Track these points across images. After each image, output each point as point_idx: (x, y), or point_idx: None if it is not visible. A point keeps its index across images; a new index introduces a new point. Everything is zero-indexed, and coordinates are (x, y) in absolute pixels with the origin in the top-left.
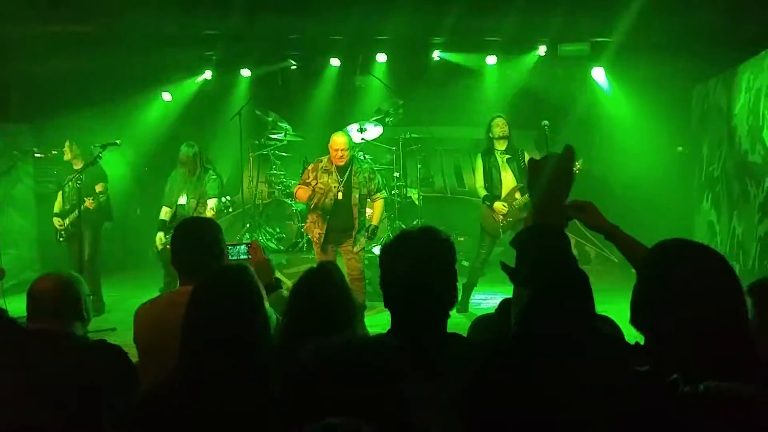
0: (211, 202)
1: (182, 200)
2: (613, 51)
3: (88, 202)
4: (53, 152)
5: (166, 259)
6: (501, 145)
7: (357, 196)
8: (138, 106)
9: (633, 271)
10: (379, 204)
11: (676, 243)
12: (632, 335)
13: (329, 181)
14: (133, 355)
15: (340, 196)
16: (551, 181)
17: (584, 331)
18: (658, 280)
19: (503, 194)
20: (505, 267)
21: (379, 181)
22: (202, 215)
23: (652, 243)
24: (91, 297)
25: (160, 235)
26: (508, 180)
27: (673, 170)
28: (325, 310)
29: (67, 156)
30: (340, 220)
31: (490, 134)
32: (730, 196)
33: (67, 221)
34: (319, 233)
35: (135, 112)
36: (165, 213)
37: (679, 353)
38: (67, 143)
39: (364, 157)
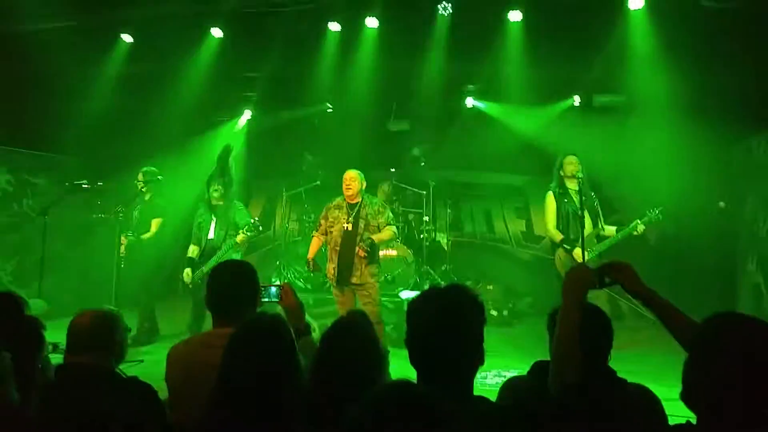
0: (245, 231)
1: (211, 234)
2: (649, 102)
3: (145, 236)
4: (99, 183)
5: (195, 295)
6: (574, 185)
7: (363, 226)
8: (180, 143)
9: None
10: (387, 229)
11: (736, 318)
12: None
13: (339, 215)
14: (162, 389)
15: (348, 227)
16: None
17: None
18: (719, 355)
19: (579, 240)
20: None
21: (389, 216)
22: (232, 246)
23: (691, 305)
24: (130, 332)
25: (188, 271)
26: (586, 223)
27: (713, 227)
28: (353, 362)
29: (140, 185)
30: (350, 251)
31: (561, 172)
32: None
33: (122, 249)
34: (333, 267)
35: (180, 148)
36: (192, 251)
37: None
38: (140, 173)
39: (395, 199)
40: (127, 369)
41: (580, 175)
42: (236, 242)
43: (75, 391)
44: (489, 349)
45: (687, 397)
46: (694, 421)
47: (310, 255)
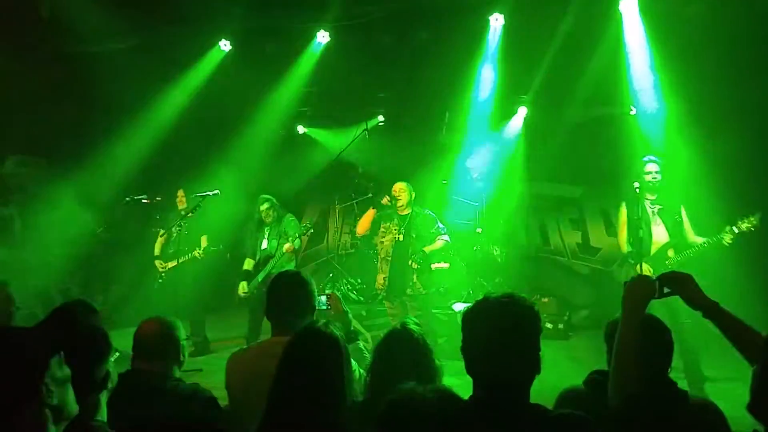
0: (296, 240)
1: (264, 244)
2: (703, 112)
3: (197, 252)
4: (157, 198)
5: (252, 306)
6: (650, 194)
7: (415, 236)
8: (236, 157)
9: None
10: (439, 240)
11: None
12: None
13: (390, 225)
14: (222, 397)
15: (400, 238)
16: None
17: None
18: None
19: (652, 251)
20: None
21: (439, 227)
22: (284, 254)
23: (756, 316)
24: (189, 340)
25: (243, 284)
26: (660, 235)
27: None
28: (406, 371)
29: (181, 204)
30: (401, 262)
31: (641, 180)
32: None
33: (168, 265)
34: (384, 278)
35: (233, 162)
36: (248, 263)
37: None
38: (180, 191)
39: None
40: (186, 378)
41: (655, 184)
42: (284, 251)
43: (141, 396)
44: (544, 362)
45: (755, 408)
46: None
47: (366, 225)
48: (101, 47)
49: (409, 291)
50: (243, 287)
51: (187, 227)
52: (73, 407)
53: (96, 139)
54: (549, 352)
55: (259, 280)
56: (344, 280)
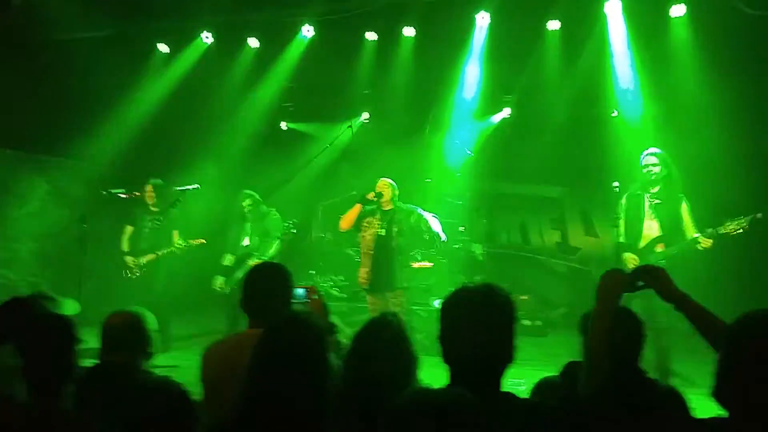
0: (276, 242)
1: (246, 241)
2: (689, 112)
3: (176, 245)
4: (135, 193)
5: (231, 303)
6: (650, 187)
7: (396, 231)
8: (218, 151)
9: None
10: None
11: (765, 314)
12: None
13: (373, 220)
14: (198, 393)
15: (382, 233)
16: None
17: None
18: (748, 352)
19: (642, 244)
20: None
21: (420, 216)
22: (266, 252)
23: (726, 311)
24: (158, 333)
25: (221, 279)
26: (652, 229)
27: (753, 238)
28: (383, 362)
29: (150, 199)
30: (383, 256)
31: (641, 174)
32: None
33: (143, 260)
34: (366, 272)
35: (214, 156)
36: (227, 259)
37: None
38: (149, 186)
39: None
40: (163, 374)
41: (654, 177)
42: (270, 254)
43: (107, 388)
44: (522, 359)
45: (718, 394)
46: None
47: (351, 220)
48: (76, 36)
49: (391, 283)
50: (220, 282)
51: (166, 221)
52: (22, 395)
53: (71, 132)
54: (527, 348)
55: (239, 277)
56: (326, 277)
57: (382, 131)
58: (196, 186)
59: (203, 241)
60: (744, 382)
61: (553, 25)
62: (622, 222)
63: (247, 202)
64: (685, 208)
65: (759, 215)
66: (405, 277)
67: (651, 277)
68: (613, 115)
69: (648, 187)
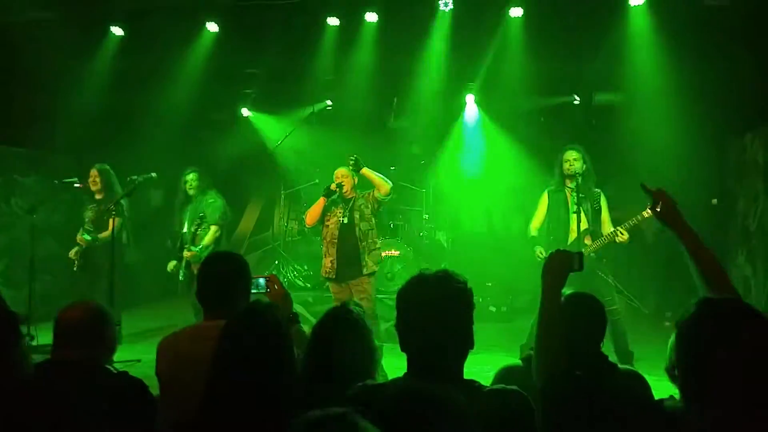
0: (212, 229)
1: (185, 227)
2: (647, 100)
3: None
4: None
5: (191, 294)
6: (571, 182)
7: (359, 216)
8: (175, 141)
9: (665, 324)
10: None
11: (721, 303)
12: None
13: (335, 209)
14: (156, 386)
15: (345, 220)
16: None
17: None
18: (702, 340)
19: (570, 238)
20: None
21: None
22: (202, 242)
23: (685, 296)
24: (119, 327)
25: (172, 263)
26: (579, 222)
27: (707, 223)
28: (344, 352)
29: (94, 186)
30: (348, 244)
31: (561, 169)
32: (767, 251)
33: (71, 253)
34: (331, 261)
35: (172, 145)
36: (173, 242)
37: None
38: (93, 171)
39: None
40: (126, 369)
41: (579, 171)
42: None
43: (56, 387)
44: (489, 344)
45: (671, 372)
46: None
47: (315, 214)
48: (22, 17)
49: (357, 271)
50: (170, 265)
51: (119, 209)
52: None
53: (22, 119)
54: (493, 334)
55: (183, 265)
56: (291, 267)
57: (345, 118)
58: (152, 175)
59: (105, 234)
60: (699, 370)
61: (516, 12)
62: (539, 215)
63: (190, 176)
64: (603, 202)
65: (714, 201)
66: (370, 264)
67: (665, 203)
68: (575, 101)
69: (569, 181)
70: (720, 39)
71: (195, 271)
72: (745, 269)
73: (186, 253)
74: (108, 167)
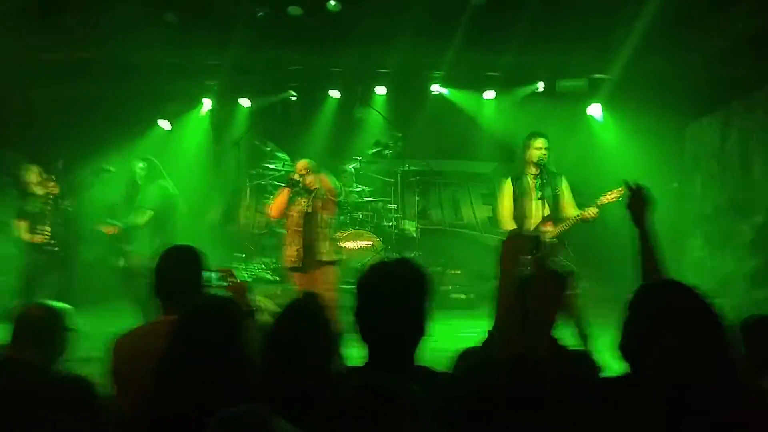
0: (148, 213)
1: (131, 215)
2: (610, 88)
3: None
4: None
5: (136, 288)
6: (535, 169)
7: (321, 205)
8: (135, 134)
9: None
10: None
11: (663, 285)
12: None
13: (299, 199)
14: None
15: (309, 209)
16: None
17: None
18: (641, 318)
19: (532, 225)
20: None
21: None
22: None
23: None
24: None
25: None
26: (539, 209)
27: (667, 207)
28: (305, 344)
29: (34, 179)
30: (312, 232)
31: (527, 155)
32: (721, 233)
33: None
34: (296, 250)
35: (132, 140)
36: (111, 229)
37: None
38: (35, 167)
39: (362, 189)
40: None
41: (544, 160)
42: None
43: (11, 387)
44: (454, 332)
45: (620, 349)
46: None
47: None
48: None
49: (322, 257)
50: (119, 261)
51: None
52: None
53: None
54: (458, 321)
55: (130, 252)
56: (257, 260)
57: (311, 108)
58: (110, 169)
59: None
60: (643, 343)
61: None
62: (506, 204)
63: (139, 166)
64: (566, 186)
65: (675, 185)
66: (330, 251)
67: (638, 198)
68: (538, 89)
69: (533, 168)
70: (679, 25)
71: (131, 265)
72: (701, 251)
73: (107, 228)
74: (61, 161)
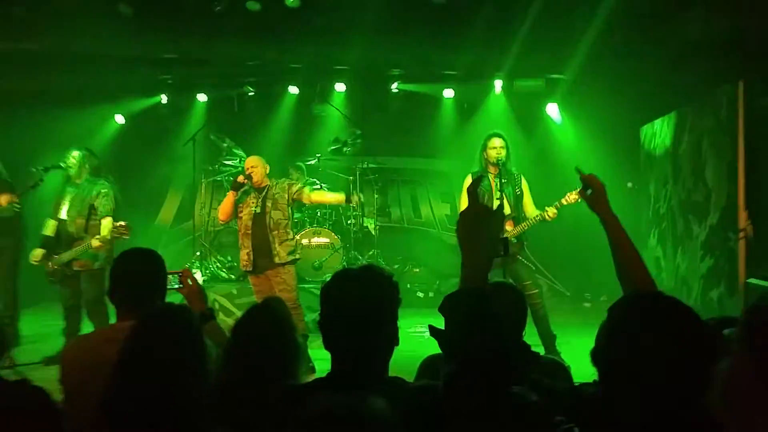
0: (106, 222)
1: (63, 213)
2: (566, 88)
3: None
4: None
5: (63, 291)
6: (494, 169)
7: (271, 205)
8: (88, 128)
9: (585, 305)
10: (321, 192)
11: (643, 298)
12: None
13: (248, 199)
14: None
15: (257, 210)
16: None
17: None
18: (627, 329)
19: None
20: (433, 331)
21: (305, 182)
22: (88, 235)
23: (603, 278)
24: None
25: (38, 251)
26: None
27: (622, 206)
28: (264, 353)
29: None
30: (261, 234)
31: (485, 155)
32: (675, 233)
33: None
34: (247, 253)
35: (85, 133)
36: (48, 227)
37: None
38: None
39: (321, 186)
40: (27, 373)
41: (502, 159)
42: (92, 246)
43: None
44: (416, 331)
45: (593, 357)
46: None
47: (228, 210)
48: None
49: (275, 260)
50: (36, 255)
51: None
52: None
53: None
54: (420, 320)
55: (64, 260)
56: (213, 258)
57: (268, 104)
58: (61, 165)
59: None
60: (612, 351)
61: None
62: (459, 201)
63: (75, 154)
64: (525, 186)
65: (630, 185)
66: (282, 254)
67: (591, 189)
68: (496, 91)
69: (492, 168)
70: (628, 31)
71: (76, 268)
72: (656, 251)
73: (94, 242)
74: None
